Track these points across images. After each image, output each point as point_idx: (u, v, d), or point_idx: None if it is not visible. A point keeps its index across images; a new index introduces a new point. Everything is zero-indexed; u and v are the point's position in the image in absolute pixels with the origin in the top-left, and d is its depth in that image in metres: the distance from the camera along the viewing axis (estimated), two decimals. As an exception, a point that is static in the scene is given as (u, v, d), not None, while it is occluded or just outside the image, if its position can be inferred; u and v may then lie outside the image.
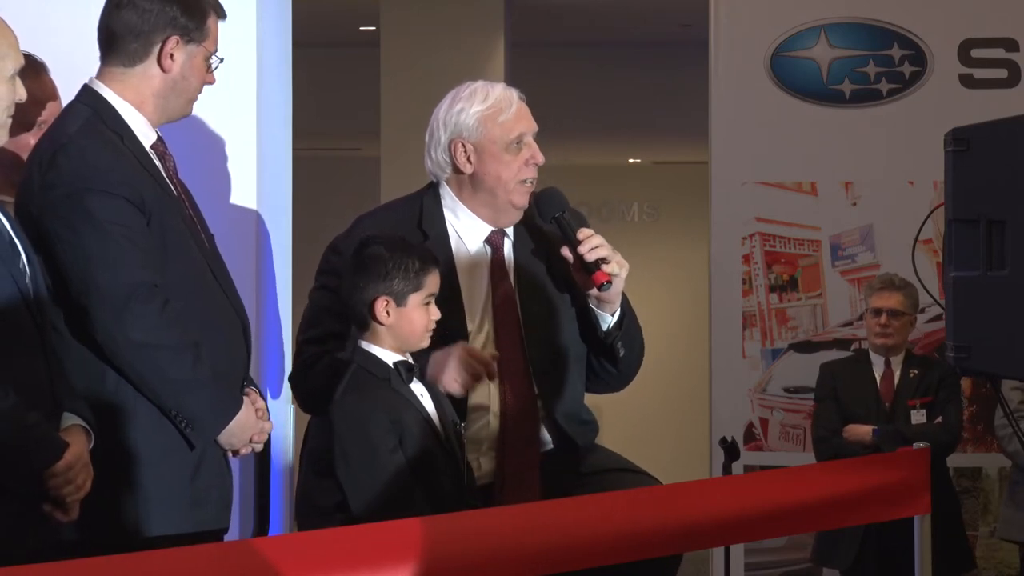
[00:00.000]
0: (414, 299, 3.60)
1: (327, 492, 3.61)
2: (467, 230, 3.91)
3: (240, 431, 3.52)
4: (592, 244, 3.81)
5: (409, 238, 3.76)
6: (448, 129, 3.87)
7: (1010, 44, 6.74)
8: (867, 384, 6.16)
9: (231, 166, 4.27)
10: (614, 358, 3.96)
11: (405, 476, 3.50)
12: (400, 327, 3.60)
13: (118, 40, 3.55)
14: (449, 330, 3.73)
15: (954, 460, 6.33)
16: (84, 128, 3.48)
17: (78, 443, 3.16)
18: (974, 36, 6.74)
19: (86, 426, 3.21)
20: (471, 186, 3.89)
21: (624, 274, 3.85)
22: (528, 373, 3.86)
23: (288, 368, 4.20)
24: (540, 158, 3.89)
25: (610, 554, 3.48)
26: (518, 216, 3.92)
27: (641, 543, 3.53)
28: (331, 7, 9.13)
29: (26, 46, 3.64)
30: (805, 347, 6.82)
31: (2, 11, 3.30)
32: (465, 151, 3.86)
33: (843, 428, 6.10)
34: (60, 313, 3.43)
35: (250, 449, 3.59)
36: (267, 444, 3.72)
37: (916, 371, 6.14)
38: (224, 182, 4.24)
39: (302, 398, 3.93)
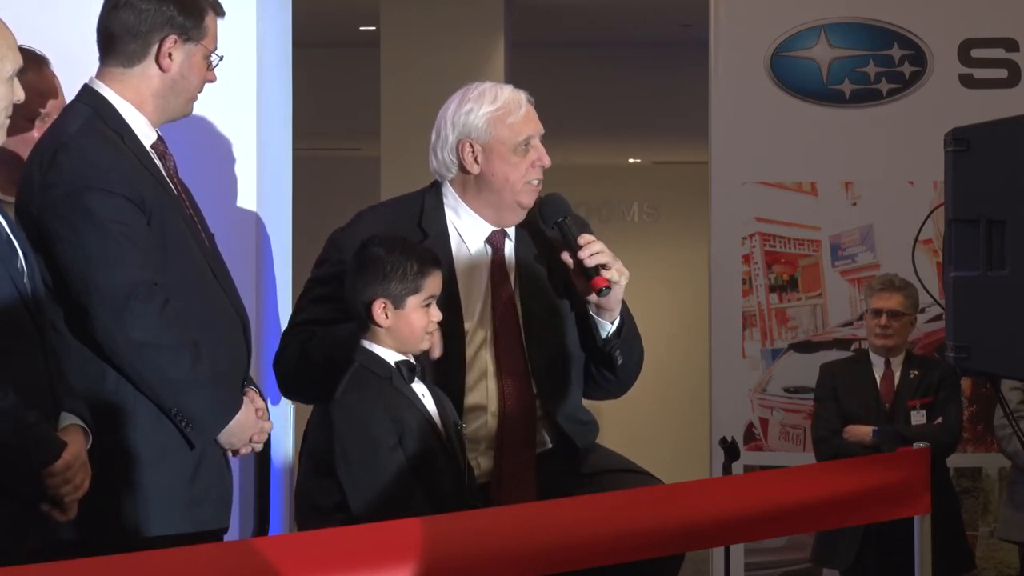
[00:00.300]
0: (412, 302, 3.60)
1: (327, 492, 3.61)
2: (468, 230, 3.92)
3: (240, 431, 3.52)
4: (592, 250, 3.81)
5: (408, 236, 3.76)
6: (456, 129, 3.88)
7: (1010, 44, 6.74)
8: (867, 384, 6.16)
9: (231, 166, 4.28)
10: (612, 366, 3.96)
11: (405, 475, 3.50)
12: (399, 329, 3.61)
13: (116, 41, 3.55)
14: (447, 329, 3.73)
15: (954, 460, 6.33)
16: (85, 127, 3.48)
17: (76, 442, 3.16)
18: (974, 36, 6.74)
19: (84, 426, 3.21)
20: (477, 186, 3.89)
21: (624, 282, 3.85)
22: (527, 373, 3.86)
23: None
24: (547, 160, 3.90)
25: (610, 554, 3.48)
26: (522, 217, 3.92)
27: (641, 543, 3.53)
28: (331, 7, 9.14)
29: (27, 44, 3.65)
30: (805, 347, 6.82)
31: (2, 10, 3.30)
32: (473, 151, 3.87)
33: (843, 428, 6.10)
34: (60, 312, 3.43)
35: (250, 449, 3.59)
36: (267, 444, 3.72)
37: (916, 371, 6.14)
38: (224, 182, 4.24)
39: (287, 375, 3.93)
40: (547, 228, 3.92)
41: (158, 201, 3.49)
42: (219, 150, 4.25)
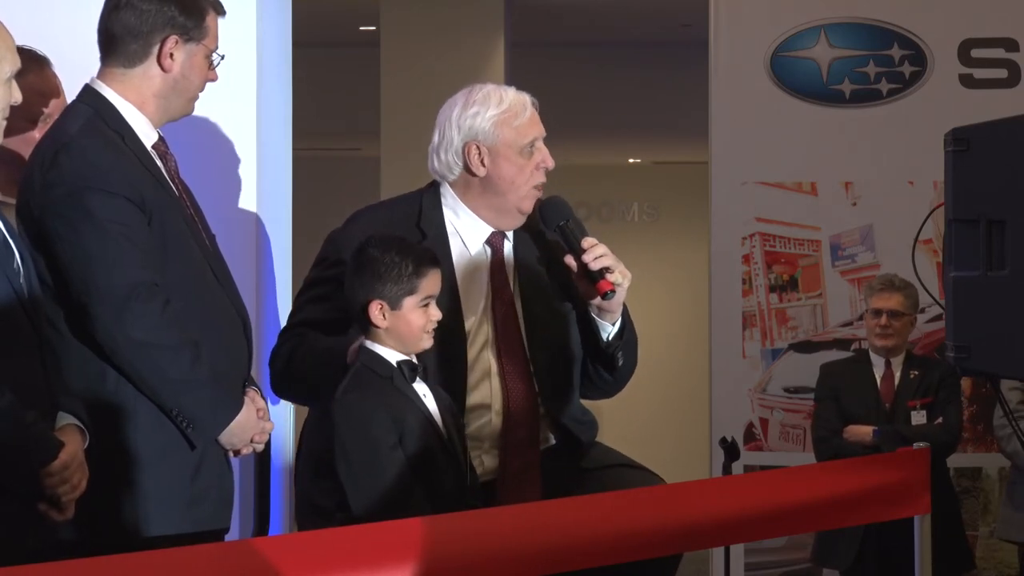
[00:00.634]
0: (409, 302, 3.60)
1: (327, 493, 3.61)
2: (468, 230, 3.92)
3: (241, 431, 3.52)
4: (597, 253, 3.82)
5: (407, 237, 3.76)
6: (462, 131, 3.88)
7: (1010, 44, 6.74)
8: (867, 385, 6.16)
9: (231, 166, 4.27)
10: (612, 367, 3.97)
11: (405, 475, 3.50)
12: (397, 329, 3.61)
13: (117, 41, 3.55)
14: (447, 330, 3.74)
15: (954, 460, 6.33)
16: (85, 128, 3.48)
17: (73, 442, 3.16)
18: (974, 36, 6.74)
19: (81, 425, 3.21)
20: (481, 188, 3.90)
21: (627, 284, 3.87)
22: (529, 373, 3.87)
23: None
24: (551, 162, 3.92)
25: (610, 554, 3.48)
26: (523, 219, 3.93)
27: (641, 543, 3.53)
28: (331, 7, 9.14)
29: (26, 44, 3.65)
30: (805, 347, 6.82)
31: (1, 10, 3.30)
32: (480, 154, 3.87)
33: (843, 428, 6.10)
34: (61, 312, 3.44)
35: (251, 449, 3.59)
36: (267, 444, 3.72)
37: (916, 372, 6.14)
38: (224, 182, 4.24)
39: (277, 377, 3.94)
40: (548, 231, 3.92)
41: (159, 201, 3.49)
42: (219, 150, 4.24)
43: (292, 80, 4.70)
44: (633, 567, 3.55)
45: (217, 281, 3.59)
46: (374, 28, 9.36)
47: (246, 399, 3.55)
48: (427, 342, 3.65)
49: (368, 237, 3.67)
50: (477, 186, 3.90)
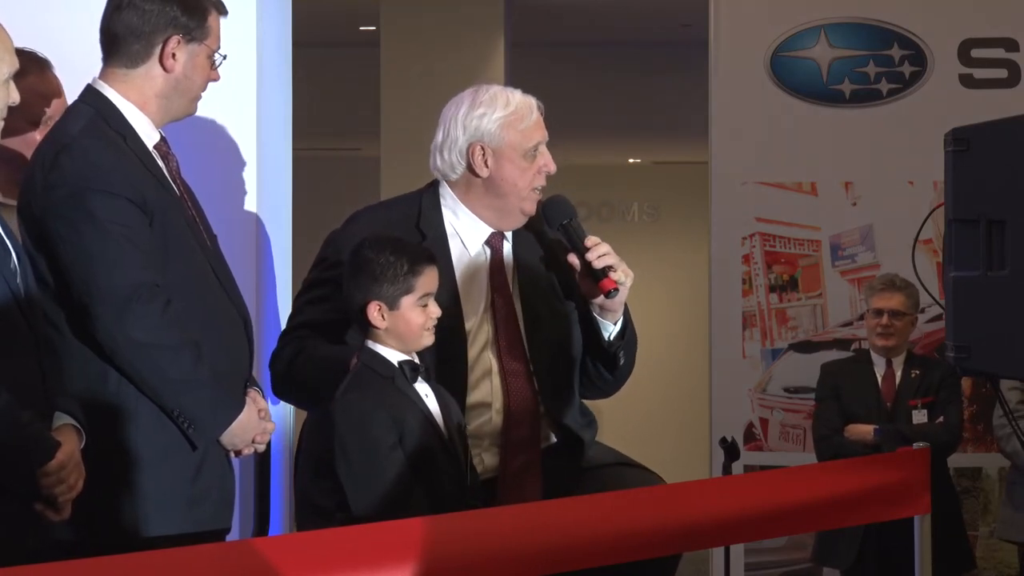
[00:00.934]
0: (407, 301, 3.59)
1: (327, 493, 3.61)
2: (467, 231, 3.92)
3: (242, 432, 3.52)
4: (600, 251, 3.83)
5: (406, 238, 3.76)
6: (468, 131, 3.88)
7: (1010, 44, 6.74)
8: (868, 384, 6.16)
9: (231, 166, 4.27)
10: (613, 366, 3.98)
11: (405, 475, 3.50)
12: (397, 329, 3.60)
13: (120, 42, 3.55)
14: (448, 330, 3.74)
15: (954, 460, 6.33)
16: (87, 128, 3.48)
17: (70, 442, 3.15)
18: (974, 36, 6.74)
19: (77, 425, 3.21)
20: (483, 189, 3.90)
21: (629, 283, 3.88)
22: (529, 372, 3.87)
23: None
24: (553, 167, 3.93)
25: (610, 554, 3.48)
26: (524, 220, 3.94)
27: (641, 543, 3.53)
28: (331, 7, 9.13)
29: (26, 46, 3.65)
30: (805, 347, 6.82)
31: (2, 11, 3.30)
32: (484, 155, 3.88)
33: (844, 427, 6.10)
34: (62, 313, 3.44)
35: (253, 450, 3.59)
36: (267, 444, 3.72)
37: (917, 371, 6.14)
38: (224, 182, 4.24)
39: (277, 380, 3.94)
40: (551, 230, 3.93)
41: (160, 202, 3.49)
42: (219, 150, 4.24)
43: (292, 80, 4.70)
44: (633, 567, 3.55)
45: (218, 281, 3.59)
46: (374, 28, 9.36)
47: (247, 399, 3.55)
48: (428, 339, 3.64)
49: (362, 239, 3.67)
50: (479, 187, 3.90)
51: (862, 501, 3.90)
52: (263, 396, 3.66)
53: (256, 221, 4.29)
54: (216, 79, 3.63)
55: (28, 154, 3.64)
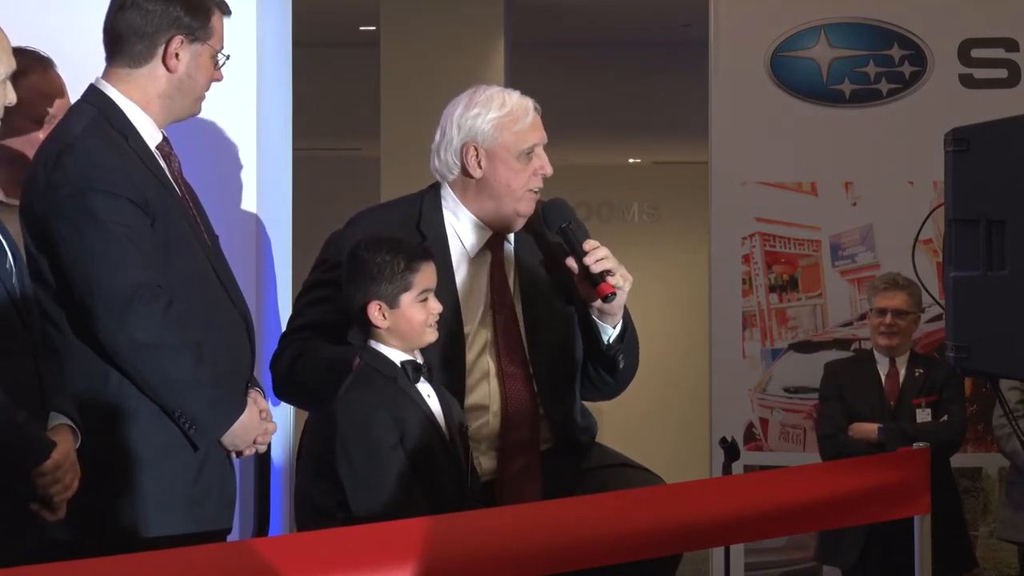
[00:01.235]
0: (406, 299, 3.59)
1: (327, 493, 3.61)
2: (467, 233, 3.91)
3: (243, 432, 3.52)
4: (598, 255, 3.81)
5: (406, 239, 3.76)
6: (462, 132, 3.88)
7: (1010, 44, 6.74)
8: (872, 383, 6.16)
9: (231, 166, 4.27)
10: (613, 369, 3.97)
11: (406, 475, 3.50)
12: (398, 327, 3.60)
13: (123, 41, 3.55)
14: (447, 332, 3.73)
15: (954, 460, 6.32)
16: (89, 128, 3.48)
17: (65, 442, 3.15)
18: (974, 36, 6.74)
19: (73, 425, 3.20)
20: (477, 190, 3.89)
21: (628, 287, 3.86)
22: (529, 375, 3.87)
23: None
24: (549, 170, 3.91)
25: (610, 554, 3.48)
26: (522, 222, 3.93)
27: (641, 543, 3.53)
28: (331, 7, 9.13)
29: (28, 45, 3.65)
30: (805, 347, 6.82)
31: (3, 11, 3.30)
32: (477, 155, 3.87)
33: (848, 426, 6.10)
34: (63, 313, 3.44)
35: (254, 450, 3.59)
36: (268, 444, 3.72)
37: (921, 370, 6.14)
38: (224, 182, 4.24)
39: (278, 382, 3.94)
40: (551, 233, 3.92)
41: (162, 202, 3.49)
42: (219, 150, 4.25)
43: (292, 80, 4.70)
44: (633, 567, 3.55)
45: (220, 282, 3.59)
46: (374, 28, 9.36)
47: (248, 400, 3.55)
48: (431, 336, 3.64)
49: (357, 241, 3.67)
50: (474, 188, 3.89)
51: (862, 501, 3.90)
52: (264, 397, 3.66)
53: (256, 221, 4.29)
54: (219, 79, 3.63)
55: (31, 153, 3.64)
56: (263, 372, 4.04)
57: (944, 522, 5.83)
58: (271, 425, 3.61)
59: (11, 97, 3.21)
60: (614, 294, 3.82)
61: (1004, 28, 6.74)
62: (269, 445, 3.73)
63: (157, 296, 3.40)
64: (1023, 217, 3.20)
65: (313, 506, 3.76)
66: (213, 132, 4.21)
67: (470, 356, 3.84)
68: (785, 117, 6.78)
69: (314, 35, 7.68)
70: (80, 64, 3.72)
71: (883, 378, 6.17)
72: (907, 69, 6.78)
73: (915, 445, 4.02)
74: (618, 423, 9.90)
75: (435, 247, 3.82)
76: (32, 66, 3.74)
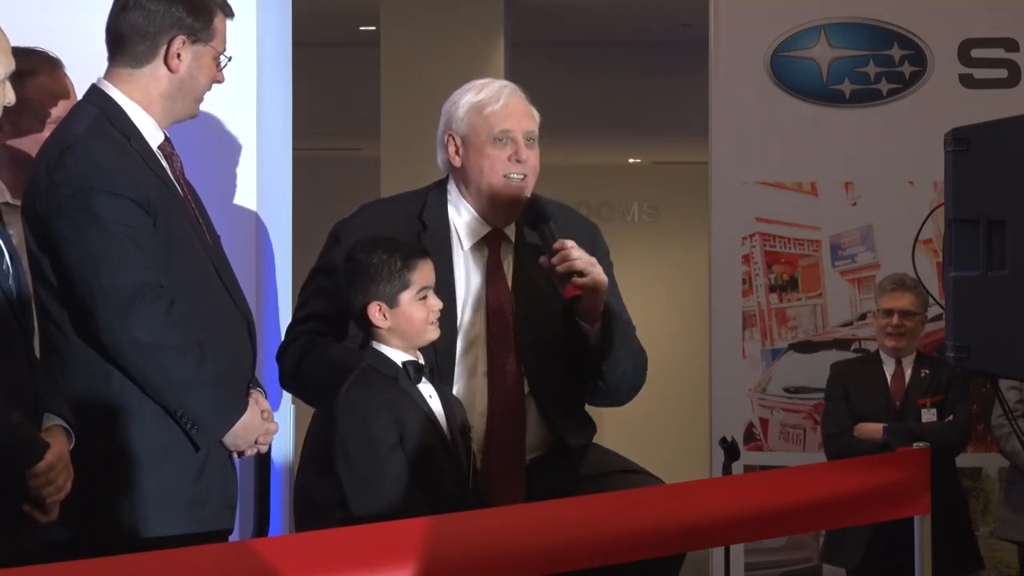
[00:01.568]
0: (405, 297, 3.59)
1: (328, 489, 3.61)
2: (466, 227, 3.89)
3: (245, 432, 3.52)
4: (564, 256, 3.72)
5: (408, 228, 3.76)
6: (443, 121, 3.87)
7: (1010, 44, 6.73)
8: (878, 383, 6.16)
9: (231, 166, 4.28)
10: (599, 372, 3.88)
11: (405, 475, 3.50)
12: (399, 326, 3.60)
13: (125, 41, 3.55)
14: (441, 324, 3.69)
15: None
16: (91, 128, 3.48)
17: (59, 443, 3.14)
18: (974, 36, 6.73)
19: (67, 426, 3.20)
20: (462, 180, 3.88)
21: (601, 288, 3.74)
22: (520, 373, 3.84)
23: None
24: (523, 155, 3.82)
25: (610, 554, 3.48)
26: (511, 215, 3.88)
27: (641, 543, 3.53)
28: (331, 7, 9.13)
29: (29, 45, 3.65)
30: (805, 347, 6.81)
31: (4, 11, 3.30)
32: (455, 143, 3.85)
33: (853, 426, 6.10)
34: (65, 313, 3.44)
35: (255, 451, 3.59)
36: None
37: (927, 371, 6.14)
38: (224, 182, 4.24)
39: (284, 376, 3.94)
40: (528, 230, 3.86)
41: (164, 203, 3.49)
42: (219, 150, 4.25)
43: (292, 80, 4.70)
44: (634, 567, 3.54)
45: (221, 282, 3.59)
46: (374, 28, 9.36)
47: (250, 400, 3.55)
48: (432, 334, 3.63)
49: (354, 243, 3.66)
50: (460, 179, 3.87)
51: (862, 501, 3.90)
52: (266, 397, 3.66)
53: (256, 221, 4.29)
54: (221, 81, 3.63)
55: (33, 155, 3.64)
56: (264, 372, 4.04)
57: (950, 522, 5.84)
58: (272, 425, 3.61)
59: (10, 97, 3.21)
60: (580, 296, 3.74)
61: (1004, 28, 6.74)
62: (270, 445, 3.73)
63: (159, 296, 3.40)
64: (1023, 217, 3.20)
65: (313, 502, 3.76)
66: (213, 132, 4.21)
67: (459, 349, 3.81)
68: (785, 117, 6.78)
69: (314, 35, 7.68)
70: (81, 64, 3.73)
71: (889, 379, 6.17)
72: (907, 69, 6.78)
73: (915, 445, 4.01)
74: (618, 423, 9.89)
75: (436, 238, 3.81)
76: (41, 67, 3.75)
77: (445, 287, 3.77)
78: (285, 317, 4.47)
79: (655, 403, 12.83)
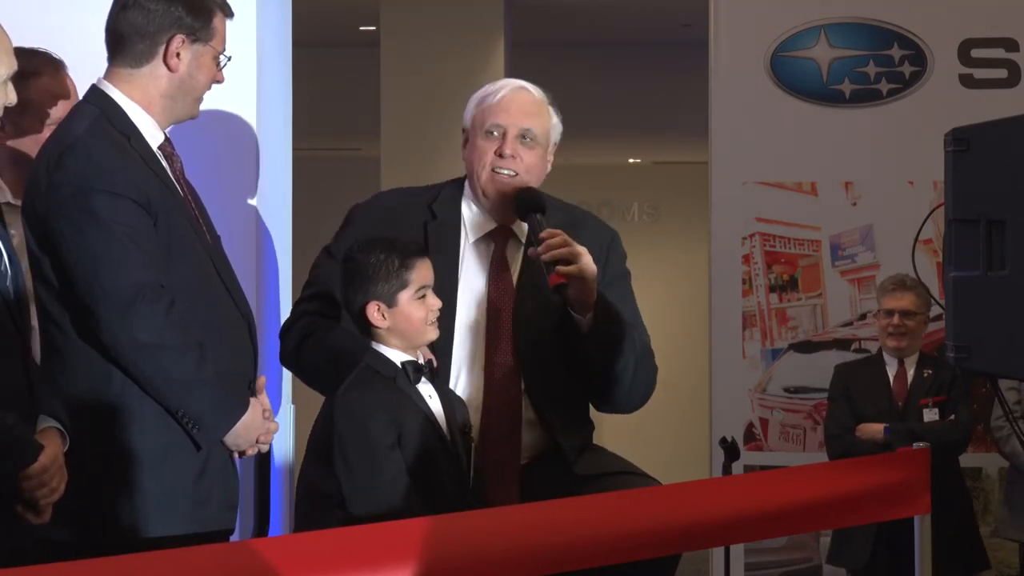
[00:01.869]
0: (404, 296, 3.59)
1: (329, 480, 3.60)
2: (473, 220, 3.90)
3: (246, 432, 3.52)
4: (550, 245, 3.70)
5: (419, 215, 3.77)
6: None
7: (1010, 44, 6.74)
8: (880, 384, 6.17)
9: (231, 166, 4.28)
10: (596, 366, 3.84)
11: (403, 475, 3.50)
12: (398, 326, 3.60)
13: (125, 41, 3.55)
14: (441, 315, 3.67)
15: (955, 460, 6.34)
16: (91, 128, 3.48)
17: (53, 445, 3.13)
18: (974, 36, 6.74)
19: (61, 428, 3.20)
20: (468, 174, 3.90)
21: (588, 277, 3.71)
22: (517, 371, 3.83)
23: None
24: (508, 149, 3.80)
25: (610, 554, 3.48)
26: (502, 209, 3.84)
27: (641, 543, 3.53)
28: (331, 7, 9.14)
29: (29, 46, 3.66)
30: (805, 347, 6.82)
31: (5, 11, 3.30)
32: (464, 136, 3.88)
33: (855, 427, 6.10)
34: (66, 314, 3.44)
35: (256, 450, 3.59)
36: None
37: (930, 371, 6.14)
38: (224, 182, 4.24)
39: (286, 355, 3.94)
40: (522, 219, 3.85)
41: (164, 203, 3.49)
42: (219, 150, 4.25)
43: (292, 80, 4.70)
44: (633, 567, 3.54)
45: (222, 282, 3.59)
46: (374, 28, 9.36)
47: (252, 400, 3.55)
48: (432, 333, 3.63)
49: (351, 244, 3.66)
50: (466, 172, 3.90)
51: (862, 501, 3.90)
52: (266, 396, 3.66)
53: (256, 221, 4.29)
54: (221, 80, 3.63)
55: (34, 156, 3.65)
56: (263, 372, 4.05)
57: (955, 522, 5.84)
58: (273, 425, 3.61)
59: (12, 97, 3.21)
60: (565, 284, 3.71)
61: (1004, 28, 6.75)
62: (270, 445, 3.73)
63: (159, 296, 3.40)
64: (1023, 217, 3.20)
65: (314, 493, 3.74)
66: (213, 133, 4.21)
67: (456, 342, 3.81)
68: (785, 117, 6.78)
69: (314, 35, 7.69)
70: (81, 64, 3.73)
71: (892, 379, 6.18)
72: (907, 69, 6.78)
73: (916, 445, 4.01)
74: (618, 423, 9.89)
75: (444, 228, 3.82)
76: (44, 67, 3.76)
77: (448, 279, 3.77)
78: (285, 317, 4.47)
79: (655, 403, 12.75)
